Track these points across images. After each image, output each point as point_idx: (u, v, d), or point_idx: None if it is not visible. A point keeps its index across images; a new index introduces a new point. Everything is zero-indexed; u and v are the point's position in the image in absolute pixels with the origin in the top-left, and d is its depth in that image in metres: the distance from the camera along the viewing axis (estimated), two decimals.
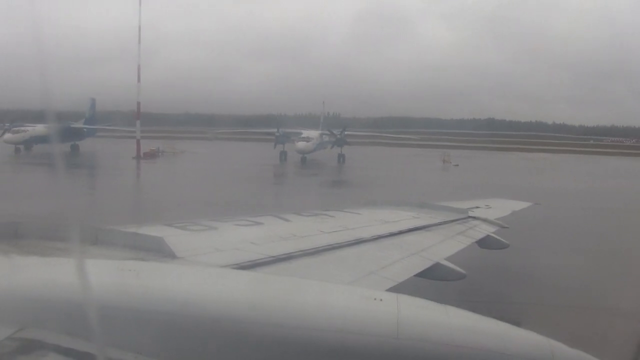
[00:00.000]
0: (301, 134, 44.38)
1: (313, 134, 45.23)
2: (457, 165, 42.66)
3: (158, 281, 2.83)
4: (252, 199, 20.62)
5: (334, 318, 2.51)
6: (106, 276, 2.65)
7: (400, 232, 5.66)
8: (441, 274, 4.90)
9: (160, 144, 46.25)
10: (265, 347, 2.36)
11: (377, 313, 2.59)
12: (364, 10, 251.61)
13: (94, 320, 1.89)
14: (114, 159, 39.05)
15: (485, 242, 6.63)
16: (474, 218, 7.30)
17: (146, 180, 31.02)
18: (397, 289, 3.78)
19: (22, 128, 42.80)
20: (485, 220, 7.30)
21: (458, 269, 5.00)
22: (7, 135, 42.93)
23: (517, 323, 2.85)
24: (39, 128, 43.82)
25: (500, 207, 8.53)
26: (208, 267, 3.46)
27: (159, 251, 3.53)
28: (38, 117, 44.11)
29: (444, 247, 5.54)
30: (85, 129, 50.44)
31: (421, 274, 4.65)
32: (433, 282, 4.83)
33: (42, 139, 42.70)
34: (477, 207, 8.01)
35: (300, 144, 42.26)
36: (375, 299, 2.72)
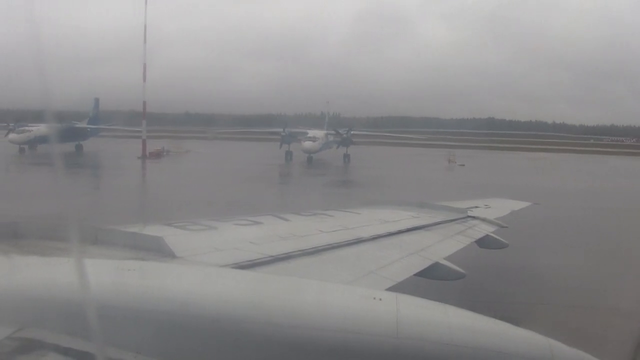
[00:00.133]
0: (307, 133, 44.28)
1: (319, 133, 45.12)
2: (463, 165, 42.45)
3: (158, 281, 2.84)
4: (265, 199, 20.62)
5: (333, 317, 2.52)
6: (106, 276, 2.65)
7: (400, 232, 5.67)
8: (440, 273, 4.90)
9: (165, 143, 45.90)
10: (265, 346, 2.37)
11: (376, 312, 2.60)
12: (364, 10, 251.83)
13: (93, 319, 1.89)
14: (120, 159, 38.77)
15: (484, 242, 6.63)
16: (473, 218, 7.30)
17: (157, 181, 30.49)
18: (397, 288, 3.78)
19: (27, 128, 42.74)
20: (484, 219, 7.31)
21: (457, 268, 5.00)
22: (12, 135, 42.85)
23: (516, 322, 2.85)
24: (43, 128, 43.86)
25: (500, 207, 8.53)
26: (207, 267, 3.47)
27: (159, 251, 3.53)
28: (40, 117, 44.21)
29: (443, 246, 5.55)
30: (89, 129, 50.34)
31: (420, 274, 4.66)
32: (432, 281, 4.83)
33: (46, 139, 42.70)
34: (477, 207, 8.01)
35: (307, 144, 42.17)
36: (374, 299, 2.73)
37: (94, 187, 25.47)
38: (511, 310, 7.77)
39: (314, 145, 42.40)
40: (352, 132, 44.91)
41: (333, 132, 45.52)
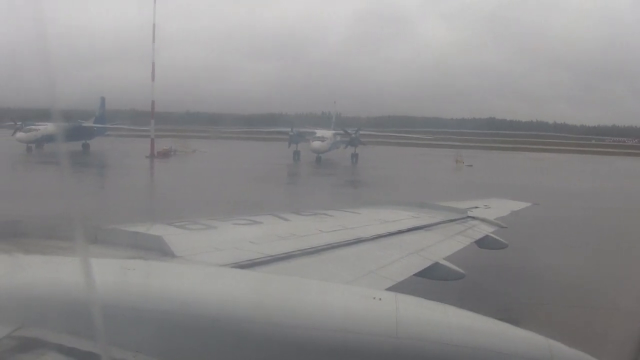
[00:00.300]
0: (315, 133, 44.07)
1: (327, 133, 44.90)
2: (471, 165, 42.09)
3: (157, 280, 2.84)
4: (281, 200, 20.62)
5: (333, 317, 2.52)
6: (106, 275, 2.65)
7: (400, 232, 5.67)
8: (440, 273, 4.90)
9: (171, 143, 45.56)
10: (265, 346, 2.37)
11: (376, 312, 2.60)
12: (364, 10, 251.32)
13: (93, 318, 1.90)
14: (129, 159, 38.42)
15: (484, 242, 6.63)
16: (473, 218, 7.30)
17: (170, 181, 29.69)
18: (396, 288, 3.78)
19: (34, 127, 42.76)
20: (484, 220, 7.31)
21: (457, 268, 5.00)
22: (19, 134, 42.82)
23: (515, 322, 2.85)
24: (51, 127, 43.87)
25: (499, 207, 8.54)
26: (207, 267, 3.47)
27: (159, 250, 3.54)
28: (46, 115, 44.27)
29: (443, 246, 5.55)
30: (95, 128, 50.28)
31: (420, 274, 4.66)
32: (432, 281, 4.83)
33: (53, 138, 42.72)
34: (476, 207, 8.01)
35: (316, 144, 41.97)
36: (374, 298, 2.73)
37: (109, 188, 25.04)
38: (510, 311, 7.77)
39: (323, 145, 42.21)
40: (360, 132, 44.72)
41: (341, 131, 45.33)
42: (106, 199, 20.10)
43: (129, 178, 29.28)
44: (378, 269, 4.29)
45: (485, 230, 6.90)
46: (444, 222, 6.67)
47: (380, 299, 2.73)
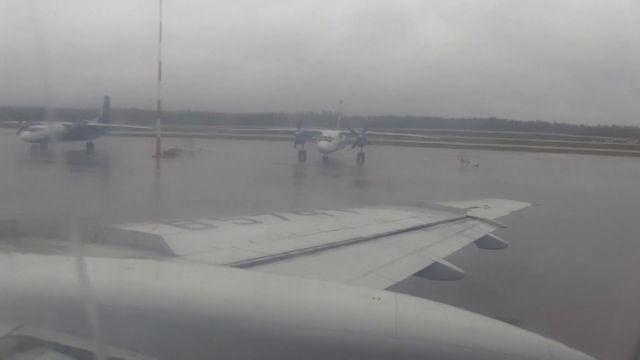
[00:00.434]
0: (321, 133, 43.91)
1: (334, 133, 44.78)
2: (477, 165, 41.84)
3: (157, 279, 2.84)
4: (293, 200, 20.66)
5: (332, 317, 2.52)
6: (105, 274, 2.66)
7: (399, 232, 5.67)
8: (440, 273, 4.91)
9: (177, 142, 45.30)
10: (264, 345, 2.37)
11: (375, 312, 2.60)
12: (364, 10, 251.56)
13: (92, 318, 1.90)
14: (135, 158, 38.31)
15: (483, 242, 6.64)
16: (473, 218, 7.31)
17: (181, 180, 28.95)
18: (396, 288, 3.79)
19: (39, 126, 42.68)
20: (483, 220, 7.31)
21: (456, 268, 5.01)
22: (25, 134, 42.70)
23: (515, 322, 2.85)
24: (56, 126, 43.51)
25: (499, 207, 8.54)
26: (206, 266, 3.47)
27: (158, 249, 3.54)
28: (51, 115, 44.00)
29: (442, 246, 5.55)
30: (100, 127, 50.14)
31: (420, 274, 4.66)
32: (431, 281, 4.83)
33: (58, 137, 42.57)
34: (476, 207, 8.01)
35: (323, 144, 41.86)
36: (373, 298, 2.73)
37: (125, 188, 24.51)
38: (510, 311, 7.77)
39: (330, 145, 42.08)
40: (366, 132, 44.52)
41: (348, 131, 45.20)
42: (124, 200, 19.79)
43: (141, 178, 29.13)
44: (377, 268, 4.29)
45: (485, 230, 6.90)
46: (443, 222, 6.67)
47: (379, 299, 2.73)
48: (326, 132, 44.11)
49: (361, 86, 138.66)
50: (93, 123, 49.38)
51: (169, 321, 2.38)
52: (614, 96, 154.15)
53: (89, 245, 3.45)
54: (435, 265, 4.89)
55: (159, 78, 42.57)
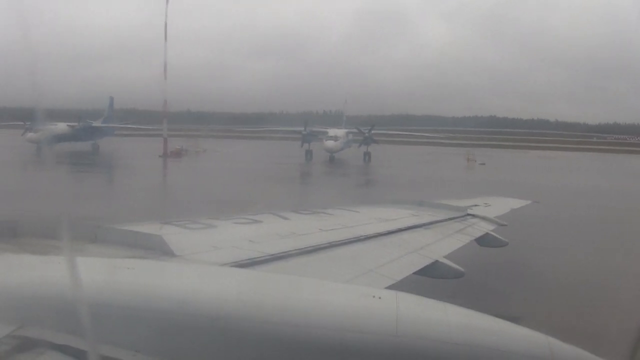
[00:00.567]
0: (327, 132, 43.68)
1: (340, 132, 44.58)
2: (484, 163, 41.59)
3: (157, 279, 2.84)
4: (306, 198, 20.62)
5: (332, 316, 2.52)
6: (105, 274, 2.66)
7: (399, 230, 5.67)
8: (440, 272, 4.91)
9: (182, 142, 45.04)
10: (264, 345, 2.37)
11: (375, 311, 2.60)
12: (364, 9, 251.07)
13: (92, 318, 1.90)
14: (142, 159, 37.99)
15: (484, 240, 6.63)
16: (473, 216, 7.30)
17: (193, 180, 28.40)
18: (396, 286, 3.78)
19: (44, 127, 42.47)
20: (484, 218, 7.30)
21: (457, 267, 5.00)
22: (29, 134, 42.69)
23: (515, 320, 2.85)
24: (61, 127, 43.77)
25: (499, 205, 8.53)
26: (206, 266, 3.47)
27: (158, 249, 3.54)
28: (55, 115, 44.09)
29: (442, 245, 5.55)
30: (105, 128, 50.05)
31: (420, 272, 4.66)
32: (432, 280, 4.83)
33: (63, 138, 42.77)
34: (476, 205, 8.01)
35: (329, 143, 41.69)
36: (374, 297, 2.73)
37: (137, 189, 24.01)
38: (510, 309, 7.76)
39: (337, 144, 41.94)
40: (373, 131, 44.30)
41: (355, 130, 45.04)
42: (142, 202, 19.47)
43: (153, 179, 28.94)
44: (378, 267, 4.29)
45: (485, 228, 6.90)
46: (443, 220, 6.67)
47: (380, 298, 2.72)
48: (332, 132, 43.88)
49: (361, 85, 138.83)
50: (97, 124, 49.38)
51: (169, 321, 2.38)
52: (614, 94, 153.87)
53: (89, 245, 3.45)
54: (435, 264, 4.89)
55: (165, 78, 42.31)
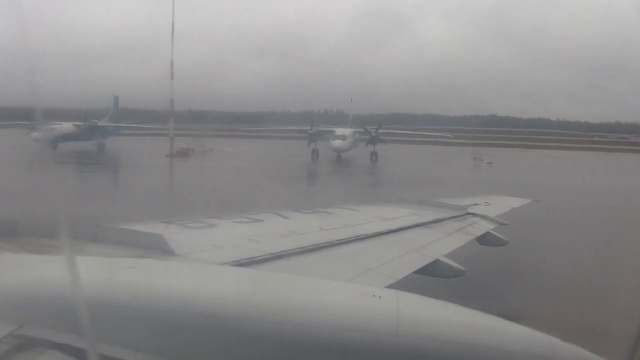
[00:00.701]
0: (334, 131, 43.52)
1: (347, 131, 44.39)
2: (491, 163, 41.42)
3: (157, 278, 2.84)
4: (321, 198, 20.40)
5: (333, 315, 2.52)
6: (105, 274, 2.66)
7: (400, 229, 5.66)
8: (440, 270, 4.90)
9: (189, 142, 44.89)
10: (264, 344, 2.37)
11: (376, 310, 2.60)
12: (364, 8, 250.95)
13: (92, 317, 1.90)
14: (150, 158, 37.77)
15: (484, 239, 6.63)
16: (473, 215, 7.29)
17: (203, 180, 27.82)
18: (397, 285, 3.78)
19: (49, 126, 42.49)
20: (484, 217, 7.30)
21: (457, 265, 5.00)
22: (35, 134, 42.90)
23: (516, 320, 2.85)
24: (67, 126, 43.83)
25: (500, 204, 8.53)
26: (207, 265, 3.47)
27: (158, 248, 3.54)
28: (61, 115, 43.95)
29: (443, 244, 5.55)
30: (110, 127, 49.97)
31: (420, 271, 4.66)
32: (432, 278, 4.83)
33: (69, 137, 42.84)
34: (476, 204, 8.00)
35: (337, 142, 41.53)
36: (374, 296, 2.72)
37: (150, 189, 23.71)
38: (511, 308, 7.76)
39: (344, 143, 41.76)
40: (380, 131, 44.07)
41: (361, 129, 44.85)
42: (160, 202, 19.55)
43: (163, 179, 28.78)
44: (378, 266, 4.28)
45: (486, 227, 6.89)
46: (444, 219, 6.66)
47: (380, 297, 2.72)
48: (340, 131, 43.64)
49: (362, 84, 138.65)
50: (103, 123, 49.36)
51: (170, 320, 2.38)
52: (615, 93, 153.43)
53: (89, 244, 3.46)
54: (436, 263, 4.89)
55: (172, 77, 42.12)
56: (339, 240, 4.75)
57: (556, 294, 9.36)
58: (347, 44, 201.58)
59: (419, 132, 56.97)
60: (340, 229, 5.25)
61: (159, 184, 26.01)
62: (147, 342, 2.34)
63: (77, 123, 45.03)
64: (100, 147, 47.10)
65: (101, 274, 2.61)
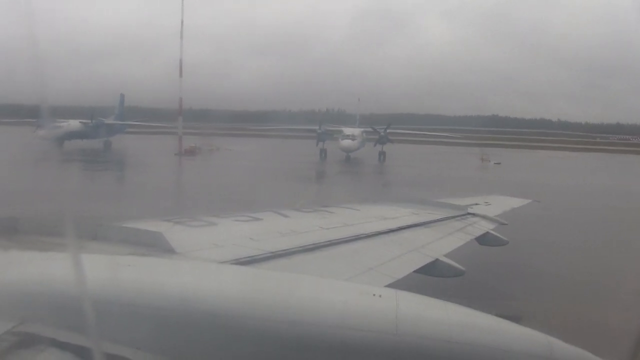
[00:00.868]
0: (342, 131, 43.41)
1: (356, 131, 44.30)
2: (499, 163, 41.32)
3: (157, 277, 2.84)
4: (337, 197, 20.04)
5: (332, 314, 2.52)
6: (105, 271, 2.66)
7: (400, 229, 5.66)
8: (440, 270, 4.90)
9: (196, 140, 44.67)
10: (264, 342, 2.37)
11: (376, 309, 2.59)
12: (365, 8, 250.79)
13: (93, 315, 1.90)
14: (159, 157, 37.57)
15: (484, 239, 6.62)
16: (473, 215, 7.29)
17: (220, 180, 27.29)
18: (396, 285, 3.78)
19: (56, 124, 42.39)
20: (484, 217, 7.30)
21: (457, 265, 5.00)
22: (42, 131, 42.80)
23: (516, 320, 2.85)
24: (73, 124, 43.78)
25: (500, 204, 8.53)
26: (207, 263, 3.47)
27: (158, 247, 3.54)
28: (69, 113, 43.84)
29: (443, 243, 5.54)
30: (116, 125, 49.78)
31: (420, 271, 4.66)
32: (432, 278, 4.83)
33: (76, 135, 42.78)
34: (477, 204, 8.01)
35: (346, 142, 41.43)
36: (374, 295, 2.72)
37: (166, 188, 23.78)
38: (511, 308, 7.77)
39: (354, 143, 41.66)
40: (388, 130, 43.90)
41: (370, 129, 44.76)
42: (178, 202, 19.53)
43: (179, 178, 28.66)
44: (378, 265, 4.28)
45: (486, 227, 6.89)
46: (444, 218, 6.66)
47: (380, 296, 2.72)
48: (349, 131, 43.49)
49: (363, 84, 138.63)
50: (110, 121, 49.21)
51: (170, 318, 2.38)
52: (615, 94, 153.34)
53: (89, 242, 3.46)
54: (436, 262, 4.89)
55: (180, 75, 41.67)
56: (339, 239, 4.75)
57: (555, 294, 9.36)
58: (348, 44, 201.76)
59: (425, 132, 56.79)
60: (341, 228, 5.25)
61: (174, 183, 25.94)
62: (147, 340, 2.34)
63: (84, 121, 44.95)
64: (107, 145, 47.02)
65: (101, 272, 2.61)
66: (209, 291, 2.63)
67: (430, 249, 5.16)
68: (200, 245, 3.92)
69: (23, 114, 45.23)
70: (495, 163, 41.93)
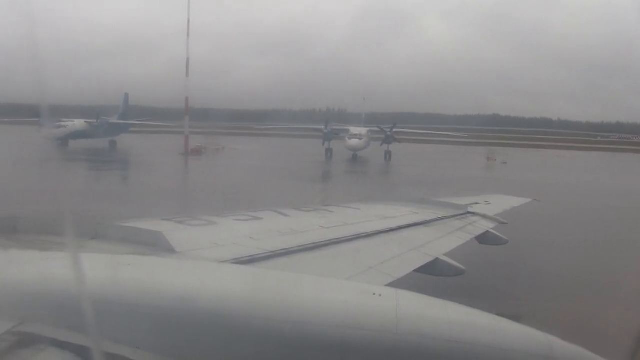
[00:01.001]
0: (349, 130, 43.48)
1: (363, 131, 44.41)
2: (506, 162, 41.27)
3: (157, 276, 2.84)
4: (349, 196, 20.10)
5: (333, 313, 2.51)
6: (105, 271, 2.66)
7: (400, 228, 5.66)
8: (440, 269, 4.90)
9: (199, 140, 44.63)
10: (264, 342, 2.37)
11: (376, 308, 2.59)
12: (366, 7, 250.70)
13: (93, 314, 1.90)
14: (165, 156, 37.57)
15: (484, 238, 6.62)
16: (473, 214, 7.29)
17: (229, 179, 27.28)
18: (396, 284, 3.78)
19: (61, 123, 42.38)
20: (484, 216, 7.29)
21: (457, 264, 5.00)
22: (47, 131, 42.54)
23: (515, 318, 2.85)
24: (78, 123, 43.77)
25: (500, 203, 8.52)
26: (207, 262, 3.47)
27: (158, 246, 3.54)
28: (71, 112, 43.73)
29: (443, 242, 5.54)
30: (121, 125, 49.85)
31: (420, 270, 4.65)
32: (432, 277, 4.83)
33: (81, 135, 42.76)
34: (476, 203, 8.01)
35: (353, 142, 41.58)
36: (374, 294, 2.71)
37: (176, 188, 23.89)
38: (511, 307, 7.77)
39: (360, 143, 41.79)
40: (394, 130, 44.01)
41: (376, 128, 44.85)
42: (192, 202, 19.51)
43: (189, 178, 28.65)
44: (378, 264, 4.28)
45: (486, 226, 6.89)
46: (444, 218, 6.66)
47: (380, 295, 2.71)
48: (356, 130, 43.58)
49: (363, 83, 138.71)
50: (114, 120, 49.23)
51: (170, 318, 2.38)
52: (615, 93, 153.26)
53: (89, 241, 3.46)
54: (436, 262, 4.88)
55: (187, 75, 41.65)
56: (339, 238, 4.74)
57: (555, 293, 9.37)
58: (348, 43, 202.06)
59: (430, 132, 56.77)
60: (341, 227, 5.25)
61: (183, 183, 25.89)
62: (147, 340, 2.34)
63: (89, 120, 44.97)
64: (112, 144, 47.08)
65: (101, 271, 2.61)
66: (209, 290, 2.63)
67: (430, 248, 5.16)
68: (201, 245, 3.92)
69: (24, 113, 45.27)
70: (502, 162, 41.99)
